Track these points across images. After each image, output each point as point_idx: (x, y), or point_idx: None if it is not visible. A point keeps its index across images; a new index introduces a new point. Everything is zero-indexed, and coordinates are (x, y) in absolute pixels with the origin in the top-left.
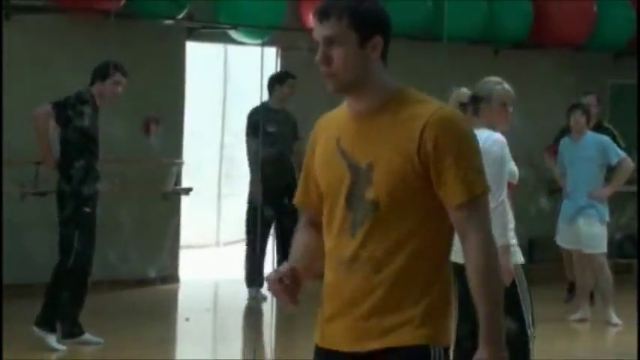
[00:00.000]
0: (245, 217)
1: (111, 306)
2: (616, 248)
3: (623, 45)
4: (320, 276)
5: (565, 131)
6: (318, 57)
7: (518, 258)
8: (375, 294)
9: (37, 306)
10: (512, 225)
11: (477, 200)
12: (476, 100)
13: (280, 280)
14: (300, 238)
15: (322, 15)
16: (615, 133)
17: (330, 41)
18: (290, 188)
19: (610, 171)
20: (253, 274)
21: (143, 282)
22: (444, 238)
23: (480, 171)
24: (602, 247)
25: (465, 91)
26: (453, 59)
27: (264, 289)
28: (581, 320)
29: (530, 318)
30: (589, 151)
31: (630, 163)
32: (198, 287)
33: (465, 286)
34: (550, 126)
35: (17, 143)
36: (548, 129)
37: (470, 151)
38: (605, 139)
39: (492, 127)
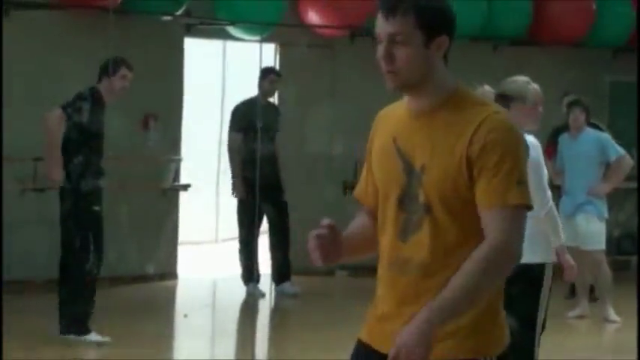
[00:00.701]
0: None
1: (109, 302)
2: (614, 245)
3: (621, 42)
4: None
5: (559, 130)
6: (379, 53)
7: (553, 257)
8: (423, 300)
9: (35, 302)
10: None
11: (508, 211)
12: (506, 99)
13: (319, 236)
14: (360, 220)
15: (388, 11)
16: (604, 128)
17: (394, 39)
18: (279, 183)
19: (607, 168)
20: (248, 270)
21: (141, 278)
22: None
23: (519, 182)
24: (601, 244)
25: (489, 89)
26: (451, 56)
27: (261, 285)
28: (580, 317)
29: (542, 320)
30: (588, 147)
31: (629, 160)
32: (196, 284)
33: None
34: (549, 123)
35: (16, 140)
36: (547, 126)
37: (515, 160)
38: (605, 136)
39: (520, 127)
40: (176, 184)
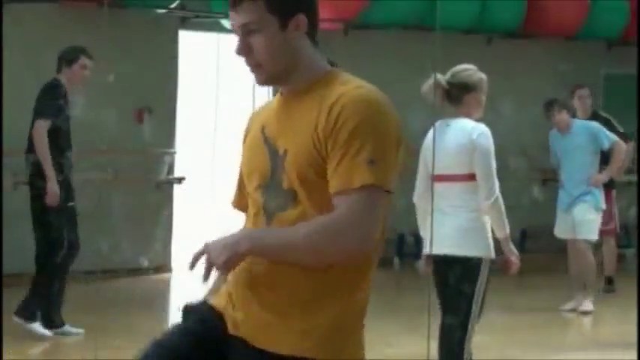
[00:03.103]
0: None
1: (103, 295)
2: None
3: (616, 35)
4: None
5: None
6: (236, 48)
7: (492, 252)
8: (279, 287)
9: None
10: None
11: (356, 193)
12: (465, 89)
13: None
14: None
15: (235, 1)
16: (610, 118)
17: (247, 29)
18: None
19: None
20: None
21: (136, 271)
22: None
23: (371, 161)
24: (593, 234)
25: (442, 77)
26: (445, 48)
27: None
28: (573, 310)
29: (476, 314)
30: (579, 139)
31: (623, 145)
32: (190, 277)
33: (442, 277)
34: (542, 116)
35: (9, 132)
36: (541, 119)
37: (368, 137)
38: (594, 124)
39: (469, 115)
40: (170, 177)
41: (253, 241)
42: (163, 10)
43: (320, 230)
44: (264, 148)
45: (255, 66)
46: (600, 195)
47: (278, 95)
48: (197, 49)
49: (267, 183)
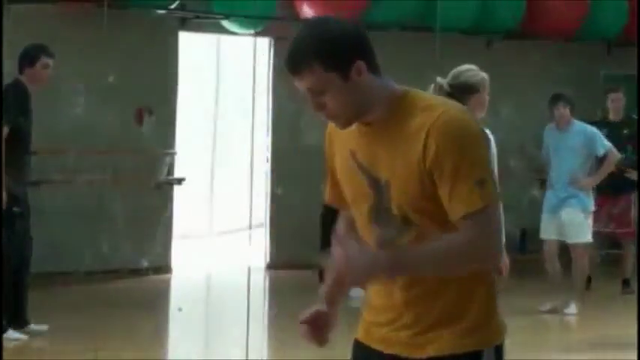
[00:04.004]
0: None
1: (103, 296)
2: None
3: (616, 36)
4: None
5: (596, 123)
6: (311, 107)
7: None
8: (412, 306)
9: (28, 295)
10: None
11: (474, 217)
12: (469, 90)
13: (305, 323)
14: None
15: (293, 71)
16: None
17: (314, 91)
18: None
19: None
20: None
21: (136, 272)
22: None
23: (480, 182)
24: (585, 237)
25: (442, 80)
26: (445, 49)
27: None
28: (551, 311)
29: None
30: (575, 140)
31: (617, 154)
32: (190, 277)
33: None
34: (542, 117)
35: None
36: (541, 120)
37: (471, 159)
38: (592, 129)
39: (475, 117)
40: (170, 177)
41: (394, 266)
42: (163, 11)
43: (456, 253)
44: (361, 175)
45: (332, 117)
46: (589, 198)
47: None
48: (197, 50)
49: (376, 210)
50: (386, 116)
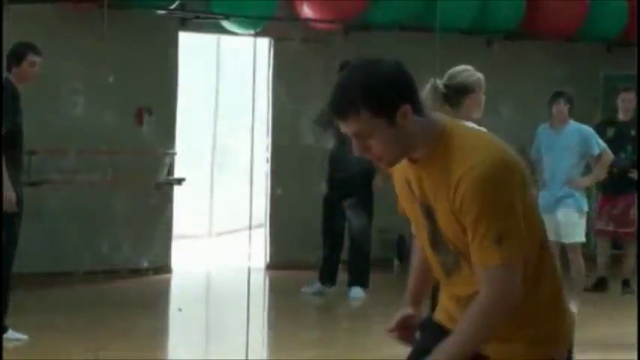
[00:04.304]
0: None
1: (103, 296)
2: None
3: (615, 36)
4: None
5: (604, 123)
6: (355, 149)
7: None
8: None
9: (28, 296)
10: None
11: (491, 272)
12: (461, 91)
13: (397, 328)
14: (418, 261)
15: (339, 115)
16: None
17: (360, 135)
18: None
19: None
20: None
21: (136, 272)
22: (536, 264)
23: (498, 240)
24: (579, 237)
25: (437, 81)
26: (445, 49)
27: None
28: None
29: None
30: (570, 140)
31: (611, 155)
32: (190, 278)
33: None
34: (542, 117)
35: None
36: (540, 120)
37: (491, 216)
38: (587, 129)
39: (469, 118)
40: (170, 177)
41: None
42: (163, 11)
43: (481, 322)
44: (417, 204)
45: (377, 158)
46: (583, 197)
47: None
48: (197, 50)
49: (433, 239)
50: (429, 155)
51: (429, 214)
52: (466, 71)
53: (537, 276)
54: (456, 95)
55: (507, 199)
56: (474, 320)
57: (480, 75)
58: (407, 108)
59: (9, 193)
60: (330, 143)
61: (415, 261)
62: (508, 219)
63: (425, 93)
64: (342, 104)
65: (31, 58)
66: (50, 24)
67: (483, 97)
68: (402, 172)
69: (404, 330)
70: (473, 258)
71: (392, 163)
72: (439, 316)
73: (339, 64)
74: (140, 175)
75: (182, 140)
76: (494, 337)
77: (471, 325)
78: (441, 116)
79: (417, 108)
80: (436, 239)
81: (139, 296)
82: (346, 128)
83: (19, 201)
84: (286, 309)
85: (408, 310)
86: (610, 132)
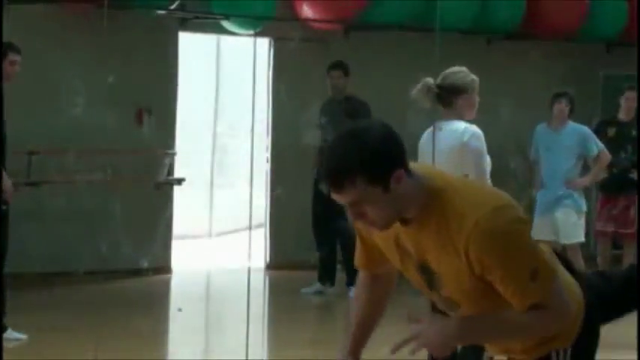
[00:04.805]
0: None
1: (103, 296)
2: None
3: (615, 36)
4: None
5: (604, 123)
6: (350, 216)
7: None
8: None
9: (28, 296)
10: None
11: (536, 309)
12: (455, 92)
13: None
14: (362, 299)
15: (336, 186)
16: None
17: (355, 204)
18: None
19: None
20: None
21: (135, 272)
22: None
23: (532, 278)
24: (578, 237)
25: (431, 80)
26: (445, 50)
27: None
28: None
29: None
30: (569, 140)
31: (609, 155)
32: (190, 278)
33: None
34: (542, 117)
35: (9, 133)
36: (540, 120)
37: (516, 260)
38: (586, 129)
39: (462, 117)
40: (170, 178)
41: (466, 339)
42: (163, 11)
43: (520, 330)
44: (407, 258)
45: (371, 224)
46: (581, 197)
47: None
48: (197, 50)
49: (431, 295)
50: (422, 214)
51: (426, 273)
52: (460, 72)
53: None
54: (448, 95)
55: (521, 239)
56: (518, 323)
57: (473, 77)
58: (400, 173)
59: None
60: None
61: (361, 296)
62: (530, 254)
63: (416, 92)
64: (338, 175)
65: (12, 57)
66: (50, 24)
67: (477, 99)
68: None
69: None
70: (516, 306)
71: (386, 226)
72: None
73: (330, 64)
74: (140, 175)
75: (182, 140)
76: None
77: (512, 324)
78: (429, 172)
79: (408, 170)
80: (432, 289)
81: (139, 296)
82: (341, 198)
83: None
84: (286, 309)
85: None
86: (611, 132)
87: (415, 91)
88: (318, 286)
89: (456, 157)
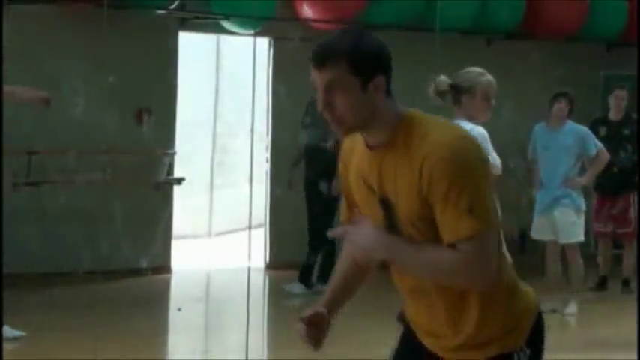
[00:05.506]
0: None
1: (103, 296)
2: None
3: (615, 36)
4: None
5: (598, 121)
6: (320, 104)
7: None
8: (440, 316)
9: (27, 295)
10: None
11: (465, 243)
12: (458, 91)
13: (306, 322)
14: (343, 264)
15: (319, 61)
16: None
17: (330, 87)
18: None
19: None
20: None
21: (135, 272)
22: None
23: (470, 209)
24: (578, 236)
25: (444, 79)
26: (445, 50)
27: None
28: (552, 311)
29: None
30: (567, 140)
31: (607, 155)
32: (190, 277)
33: None
34: (542, 117)
35: (9, 133)
36: (540, 119)
37: (462, 186)
38: (584, 129)
39: (472, 118)
40: (170, 177)
41: (389, 255)
42: (163, 11)
43: (445, 267)
44: (371, 195)
45: (336, 120)
46: (580, 197)
47: (363, 140)
48: (197, 50)
49: (389, 229)
50: (389, 140)
51: (385, 204)
52: (471, 72)
53: (499, 264)
54: (456, 94)
55: (476, 172)
56: (440, 257)
57: (483, 78)
58: (382, 81)
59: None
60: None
61: (340, 269)
62: (479, 191)
63: (430, 89)
64: (326, 51)
65: None
66: (50, 24)
67: (489, 101)
68: (356, 168)
69: (313, 328)
70: (446, 235)
71: (349, 129)
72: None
73: None
74: (140, 175)
75: (182, 140)
76: (469, 344)
77: (435, 258)
78: (404, 106)
79: (389, 90)
80: (391, 225)
81: (138, 296)
82: (320, 77)
83: None
84: (286, 309)
85: (320, 309)
86: (602, 131)
87: (429, 88)
88: (299, 286)
89: None
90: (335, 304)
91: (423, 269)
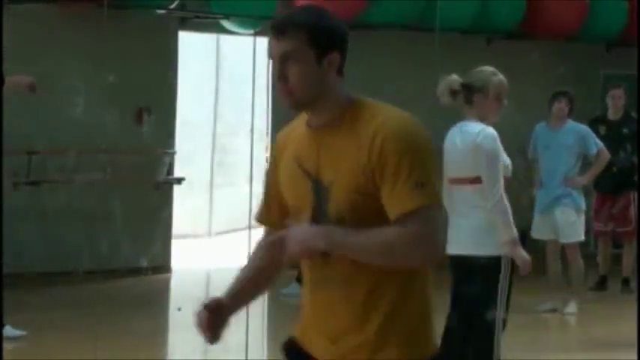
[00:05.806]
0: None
1: (103, 295)
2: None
3: (615, 36)
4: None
5: (597, 120)
6: (275, 73)
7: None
8: (342, 310)
9: (27, 295)
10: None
11: (412, 217)
12: (470, 90)
13: (201, 315)
14: (255, 259)
15: (279, 31)
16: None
17: (286, 58)
18: None
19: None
20: None
21: (135, 272)
22: None
23: (419, 184)
24: (578, 236)
25: (455, 78)
26: (445, 49)
27: None
28: (552, 311)
29: (501, 318)
30: (568, 139)
31: (608, 154)
32: (190, 277)
33: (458, 276)
34: (542, 117)
35: (9, 133)
36: (540, 119)
37: (412, 162)
38: (584, 128)
39: (483, 118)
40: (170, 177)
41: (331, 242)
42: (163, 11)
43: (392, 244)
44: (305, 180)
45: (286, 92)
46: (580, 196)
47: (305, 123)
48: (197, 50)
49: (315, 215)
50: (333, 121)
51: (318, 186)
52: (482, 72)
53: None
54: (467, 94)
55: (426, 149)
56: (387, 235)
57: (494, 78)
58: (337, 58)
59: None
60: None
61: (250, 264)
62: (428, 167)
63: (440, 88)
64: (286, 21)
65: None
66: (50, 24)
67: (501, 101)
68: (291, 152)
69: (212, 319)
70: (396, 208)
71: (298, 102)
72: (300, 336)
73: None
74: (140, 175)
75: (182, 140)
76: (368, 346)
77: (381, 237)
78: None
79: (341, 70)
80: (320, 213)
81: (138, 296)
82: (277, 47)
83: None
84: (286, 309)
85: (224, 300)
86: (602, 130)
87: (439, 87)
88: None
89: (471, 158)
90: (238, 298)
91: (370, 250)
